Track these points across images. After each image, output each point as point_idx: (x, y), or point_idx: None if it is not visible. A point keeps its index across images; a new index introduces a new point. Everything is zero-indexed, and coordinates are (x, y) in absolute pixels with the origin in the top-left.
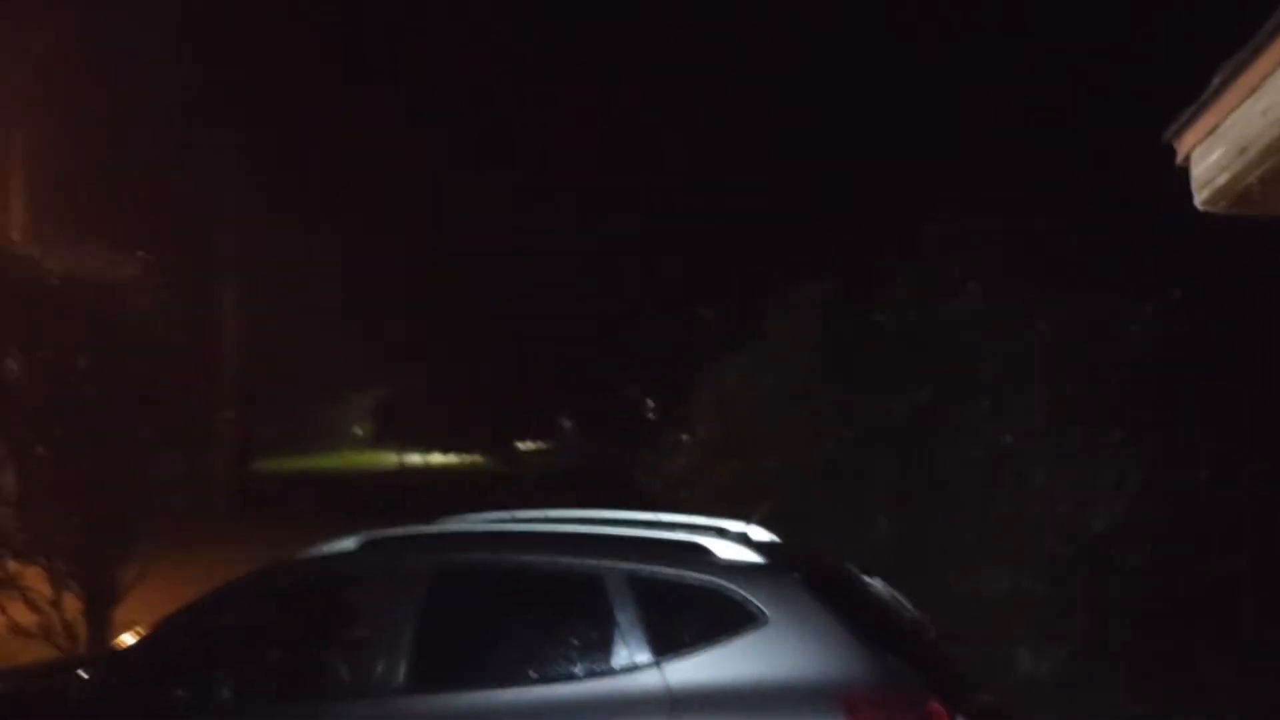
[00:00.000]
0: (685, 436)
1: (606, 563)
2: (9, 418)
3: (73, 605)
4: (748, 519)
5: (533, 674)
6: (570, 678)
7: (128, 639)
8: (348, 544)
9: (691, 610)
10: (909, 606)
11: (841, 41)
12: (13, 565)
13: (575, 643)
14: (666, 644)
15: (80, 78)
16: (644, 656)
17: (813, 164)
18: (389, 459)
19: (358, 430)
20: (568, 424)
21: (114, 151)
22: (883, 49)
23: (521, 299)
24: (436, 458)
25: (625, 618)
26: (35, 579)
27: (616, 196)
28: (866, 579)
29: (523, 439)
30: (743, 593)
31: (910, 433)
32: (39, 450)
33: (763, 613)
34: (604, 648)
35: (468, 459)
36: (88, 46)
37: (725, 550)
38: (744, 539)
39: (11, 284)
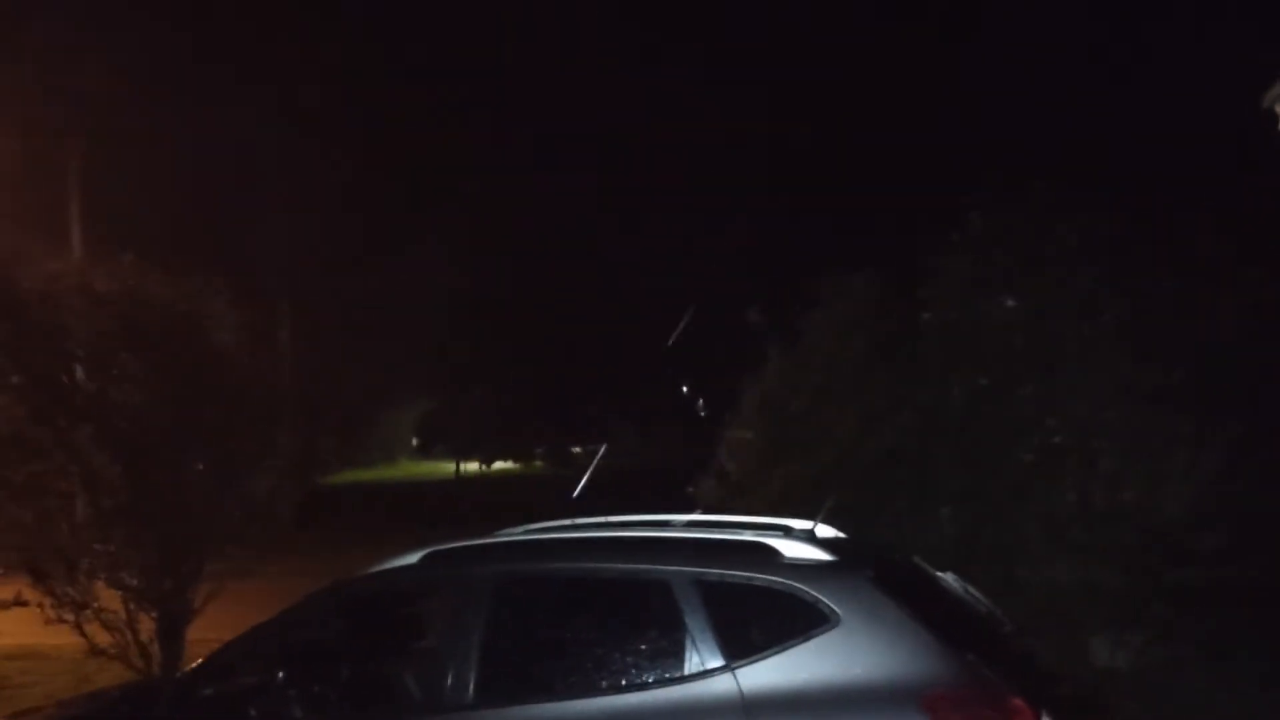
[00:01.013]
0: (745, 434)
1: (673, 567)
2: (84, 440)
3: (147, 625)
4: (813, 516)
5: (603, 683)
6: (641, 686)
7: (201, 660)
8: (412, 558)
9: (762, 613)
10: (983, 600)
11: (882, 36)
12: (88, 586)
13: (644, 650)
14: (738, 648)
15: (134, 107)
16: (715, 661)
17: (857, 158)
18: (447, 467)
19: (415, 440)
20: (622, 426)
21: (169, 176)
22: (920, 43)
23: (572, 303)
24: (493, 465)
25: (694, 622)
26: (111, 600)
27: (662, 200)
28: (938, 574)
29: (577, 443)
30: (814, 593)
31: (970, 422)
32: (113, 472)
33: (835, 613)
34: (674, 654)
35: (524, 465)
36: (141, 77)
37: (793, 550)
38: (811, 537)
39: (94, 312)
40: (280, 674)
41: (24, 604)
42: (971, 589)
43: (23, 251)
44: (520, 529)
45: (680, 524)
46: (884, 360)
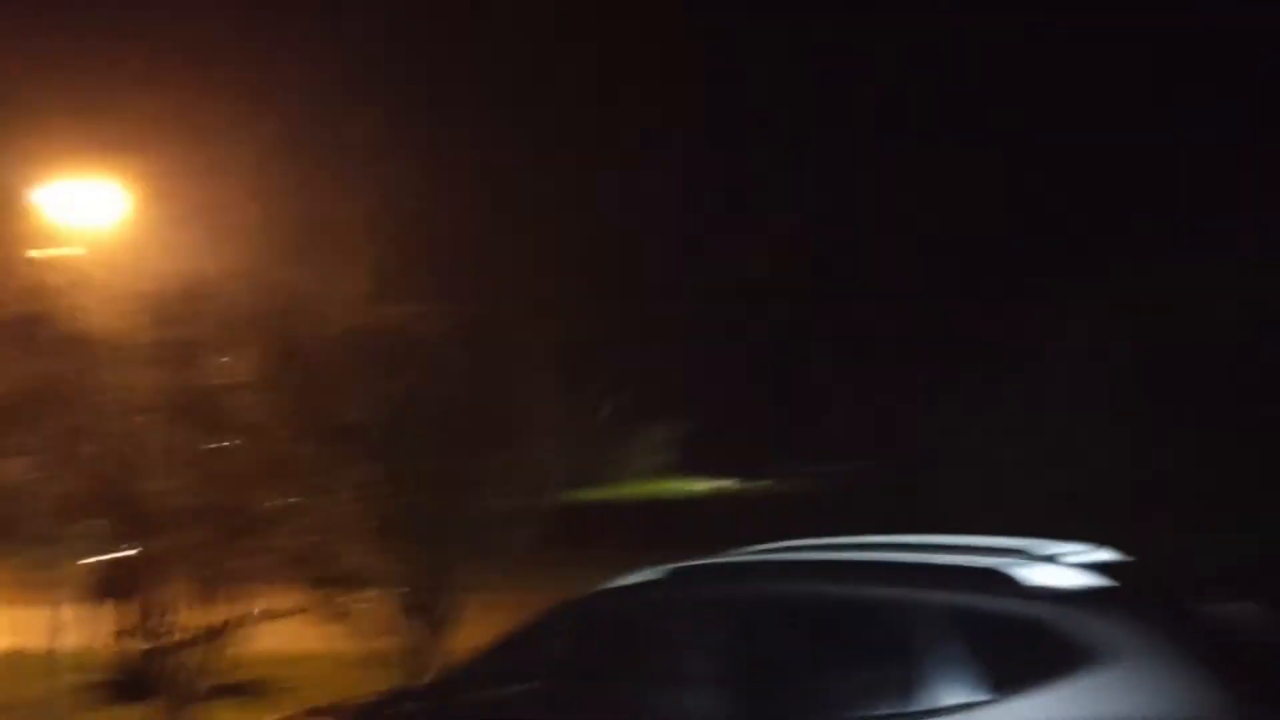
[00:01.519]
0: (1003, 450)
1: (917, 593)
2: (356, 461)
3: (415, 633)
4: (1076, 539)
5: (844, 714)
6: (886, 716)
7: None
8: (651, 574)
9: (1014, 645)
10: (1274, 631)
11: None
12: (360, 596)
13: (886, 680)
14: (986, 683)
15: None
16: (957, 697)
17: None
18: (697, 486)
19: (664, 458)
20: (871, 442)
21: (431, 205)
22: None
23: (816, 320)
24: (742, 483)
25: (938, 654)
26: (381, 609)
27: (923, 201)
28: (1217, 603)
29: (826, 461)
30: (1073, 625)
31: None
32: (381, 490)
33: (1096, 648)
34: (917, 686)
35: (771, 483)
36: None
37: (1052, 577)
38: (1073, 563)
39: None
40: (522, 685)
41: (303, 611)
42: (1261, 616)
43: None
44: (762, 548)
45: (926, 547)
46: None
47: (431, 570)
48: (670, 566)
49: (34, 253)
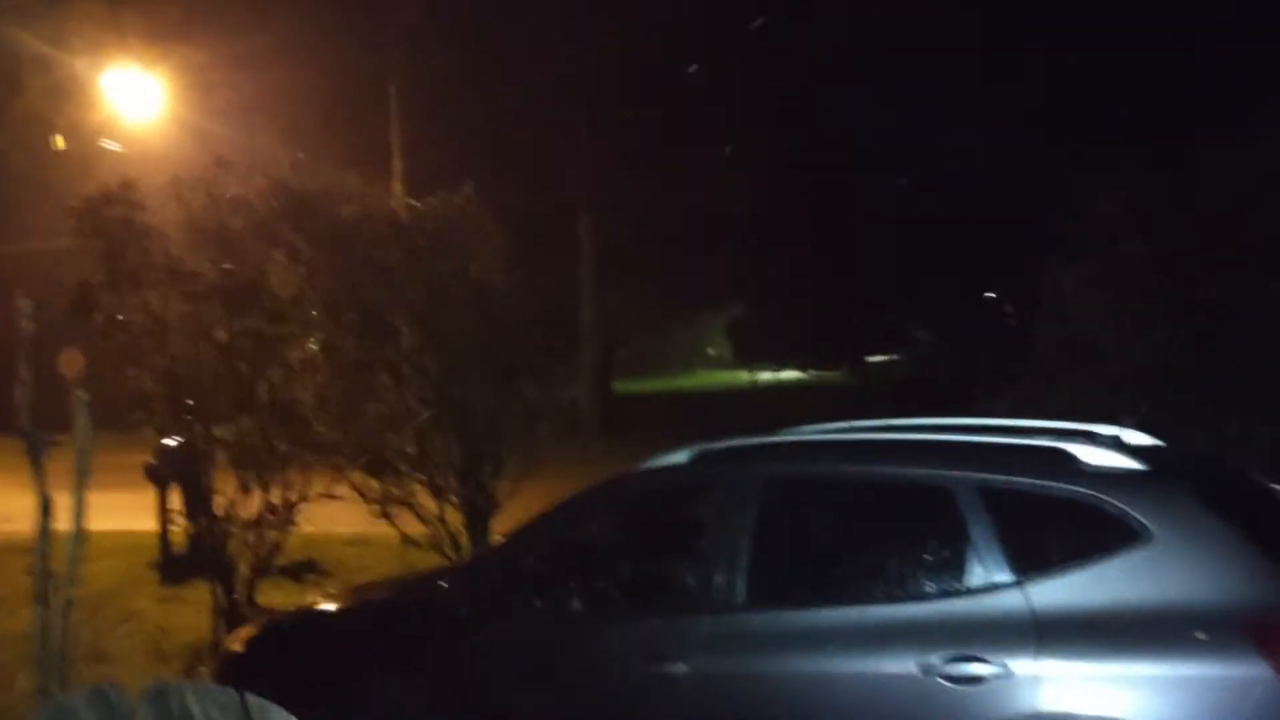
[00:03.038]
0: (1035, 345)
1: (954, 473)
2: (392, 353)
3: (455, 518)
4: (1120, 422)
5: (878, 592)
6: (919, 597)
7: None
8: (680, 457)
9: (1058, 525)
10: None
11: None
12: (406, 484)
13: (923, 559)
14: (1029, 562)
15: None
16: (1003, 575)
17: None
18: (742, 377)
19: (711, 350)
20: (921, 335)
21: (469, 100)
22: None
23: (868, 213)
24: (788, 374)
25: (979, 533)
26: (423, 495)
27: (956, 106)
28: (1275, 485)
29: (873, 352)
30: (1121, 505)
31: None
32: (416, 380)
33: (1146, 527)
34: (956, 565)
35: (818, 374)
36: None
37: (1096, 457)
38: (1118, 444)
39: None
40: (552, 566)
41: (336, 498)
42: None
43: (347, 188)
44: (796, 430)
45: (968, 428)
46: (1154, 269)
47: (469, 458)
48: (697, 448)
49: (105, 142)
